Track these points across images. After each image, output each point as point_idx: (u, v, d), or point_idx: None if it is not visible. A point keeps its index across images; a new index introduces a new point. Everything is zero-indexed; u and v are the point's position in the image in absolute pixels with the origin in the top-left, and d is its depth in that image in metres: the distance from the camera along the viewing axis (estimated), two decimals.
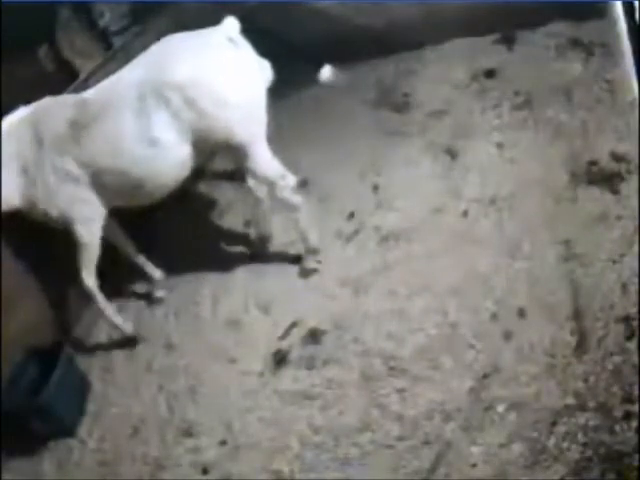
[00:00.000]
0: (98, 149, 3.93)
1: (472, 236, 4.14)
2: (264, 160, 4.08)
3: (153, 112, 3.85)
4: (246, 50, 4.02)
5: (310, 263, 4.39)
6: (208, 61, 3.93)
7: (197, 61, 3.90)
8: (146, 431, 3.90)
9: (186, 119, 3.85)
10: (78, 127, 3.94)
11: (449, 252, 4.09)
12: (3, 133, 4.01)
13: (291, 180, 4.17)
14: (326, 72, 4.10)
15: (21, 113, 4.09)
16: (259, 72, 4.03)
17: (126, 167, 3.94)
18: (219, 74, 3.91)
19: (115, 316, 4.40)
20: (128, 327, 4.47)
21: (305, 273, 4.38)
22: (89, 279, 4.20)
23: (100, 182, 4.02)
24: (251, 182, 4.37)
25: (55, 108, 4.08)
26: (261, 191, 4.45)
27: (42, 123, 4.01)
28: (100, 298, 4.28)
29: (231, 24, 4.06)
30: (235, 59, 3.97)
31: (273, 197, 4.29)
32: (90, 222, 4.13)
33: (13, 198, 4.04)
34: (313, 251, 4.40)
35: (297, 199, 4.23)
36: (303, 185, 4.25)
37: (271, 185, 4.18)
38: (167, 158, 3.94)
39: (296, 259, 4.47)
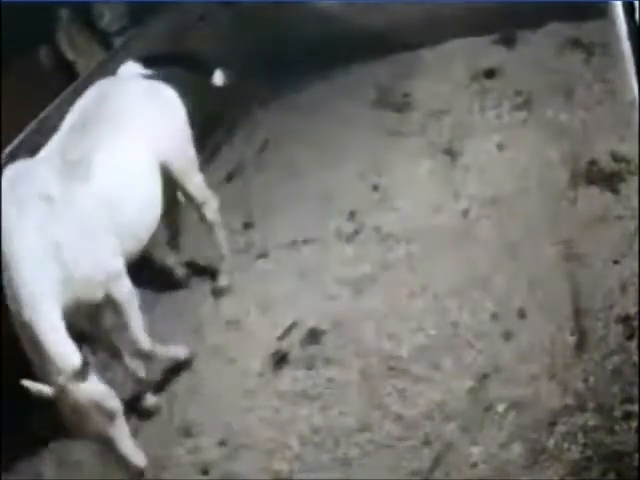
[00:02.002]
0: (107, 178, 3.62)
1: (472, 236, 4.14)
2: (199, 181, 4.24)
3: (129, 138, 3.79)
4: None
5: (223, 281, 4.45)
6: (159, 89, 4.11)
7: (153, 89, 4.08)
8: (147, 431, 3.90)
9: (155, 142, 3.87)
10: (77, 165, 3.57)
11: (449, 252, 4.09)
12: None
13: (215, 202, 4.34)
14: (218, 76, 4.24)
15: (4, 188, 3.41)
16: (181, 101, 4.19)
17: (133, 190, 3.71)
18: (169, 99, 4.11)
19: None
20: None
21: (218, 292, 4.45)
22: (147, 341, 3.75)
23: (116, 221, 3.58)
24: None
25: (35, 165, 3.62)
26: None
27: (37, 181, 3.46)
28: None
29: (131, 67, 4.22)
30: (164, 89, 4.14)
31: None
32: (124, 273, 3.64)
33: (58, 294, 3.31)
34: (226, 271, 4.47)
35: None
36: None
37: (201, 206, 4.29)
38: (155, 179, 3.87)
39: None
